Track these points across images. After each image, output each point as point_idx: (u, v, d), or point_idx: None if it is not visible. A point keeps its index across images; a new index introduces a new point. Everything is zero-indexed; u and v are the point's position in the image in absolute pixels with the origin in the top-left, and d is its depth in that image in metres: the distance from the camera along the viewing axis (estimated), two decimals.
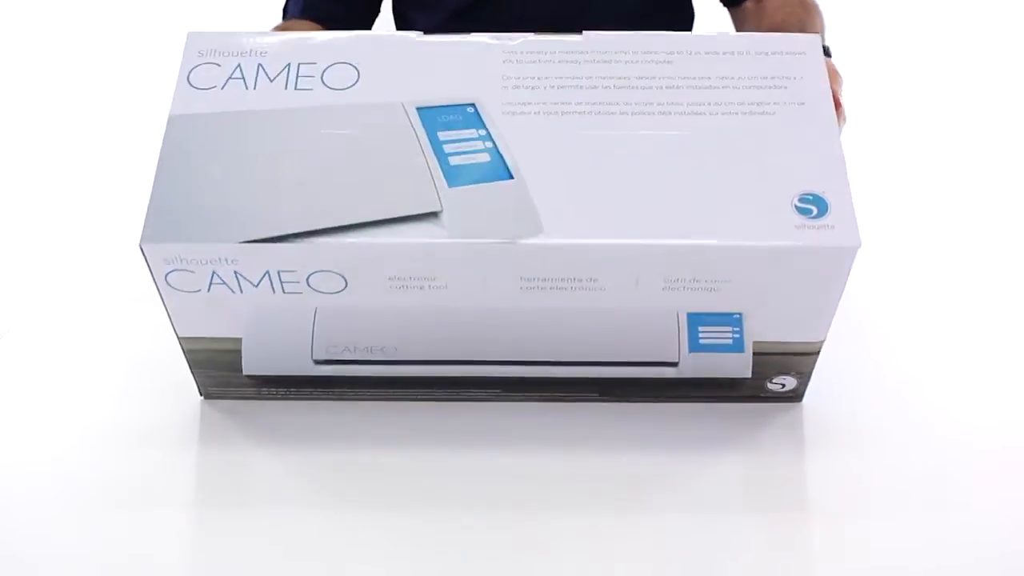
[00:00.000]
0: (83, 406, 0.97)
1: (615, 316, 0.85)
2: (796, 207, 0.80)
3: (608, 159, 0.82)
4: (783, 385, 0.92)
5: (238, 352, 0.88)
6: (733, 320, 0.85)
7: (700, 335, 0.87)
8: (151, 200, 0.80)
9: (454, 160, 0.82)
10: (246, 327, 0.86)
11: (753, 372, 0.90)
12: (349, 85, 0.85)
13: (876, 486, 0.86)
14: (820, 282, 0.81)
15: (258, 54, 0.87)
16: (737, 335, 0.87)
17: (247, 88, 0.86)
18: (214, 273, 0.81)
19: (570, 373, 0.91)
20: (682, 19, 1.42)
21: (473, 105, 0.85)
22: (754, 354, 0.88)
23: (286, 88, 0.86)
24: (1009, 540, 0.80)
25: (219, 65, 0.87)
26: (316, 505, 0.84)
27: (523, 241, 0.78)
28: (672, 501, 0.85)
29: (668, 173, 0.81)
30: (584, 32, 0.88)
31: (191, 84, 0.86)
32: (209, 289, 0.82)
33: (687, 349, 0.88)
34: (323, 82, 0.86)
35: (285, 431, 0.92)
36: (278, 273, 0.81)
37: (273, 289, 0.82)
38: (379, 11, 1.42)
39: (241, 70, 0.87)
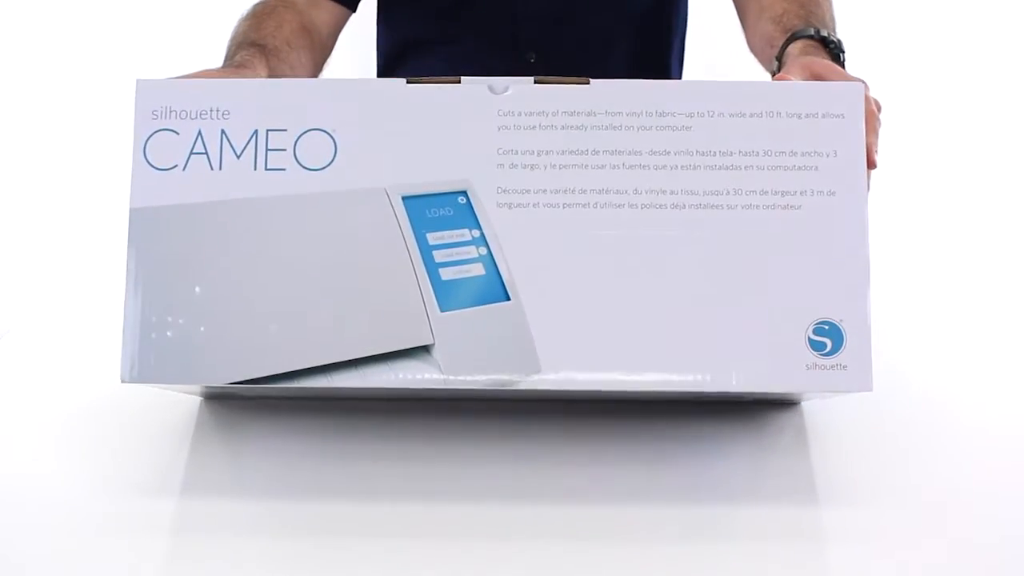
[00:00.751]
0: (83, 406, 0.96)
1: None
2: (810, 340, 0.76)
3: (612, 272, 0.76)
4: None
5: None
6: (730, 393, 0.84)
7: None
8: (126, 330, 0.77)
9: (445, 273, 0.77)
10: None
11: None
12: (326, 163, 0.77)
13: (875, 488, 0.87)
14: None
15: (220, 115, 0.77)
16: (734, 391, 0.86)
17: (212, 168, 0.77)
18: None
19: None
20: (674, 13, 1.24)
21: (465, 194, 0.77)
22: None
23: (255, 167, 0.77)
24: (1010, 540, 0.81)
25: (177, 133, 0.78)
26: (313, 507, 0.86)
27: (519, 384, 0.76)
28: (671, 500, 0.86)
29: (677, 292, 0.76)
30: (591, 82, 0.78)
31: (149, 162, 0.78)
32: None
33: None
34: (296, 158, 0.77)
35: (285, 432, 0.92)
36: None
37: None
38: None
39: (203, 140, 0.77)
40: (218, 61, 1.09)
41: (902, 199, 1.26)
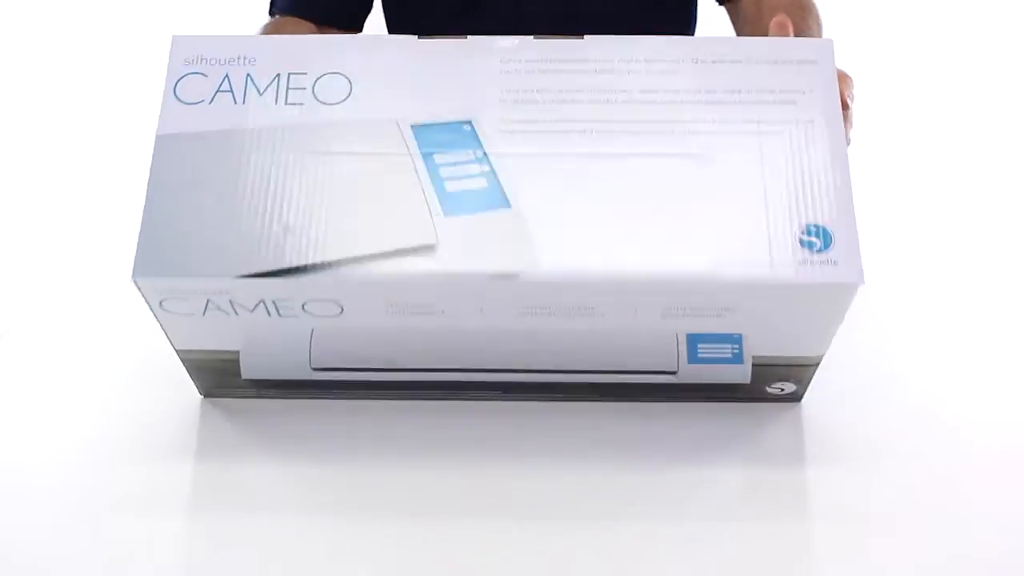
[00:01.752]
0: (83, 406, 0.97)
1: (613, 336, 0.84)
2: (800, 240, 0.78)
3: (608, 184, 0.80)
4: (782, 389, 0.91)
5: (236, 361, 0.88)
6: (733, 339, 0.85)
7: (699, 351, 0.86)
8: (142, 230, 0.79)
9: (450, 186, 0.81)
10: (244, 342, 0.85)
11: (752, 378, 0.89)
12: (341, 99, 0.83)
13: (875, 489, 0.86)
14: (820, 314, 0.80)
15: (246, 61, 0.84)
16: (737, 351, 0.86)
17: (236, 102, 0.83)
18: (208, 301, 0.80)
19: (569, 379, 0.90)
20: (682, 16, 1.38)
21: (470, 123, 0.82)
22: (753, 365, 0.88)
23: (276, 102, 0.83)
24: (1008, 545, 0.81)
25: (206, 76, 0.84)
26: (314, 507, 0.85)
27: (519, 276, 0.77)
28: (671, 504, 0.86)
29: (670, 200, 0.80)
30: (585, 36, 0.85)
31: (178, 97, 0.83)
32: (204, 313, 0.82)
33: (686, 360, 0.87)
34: (314, 95, 0.83)
35: (285, 431, 0.92)
36: (272, 302, 0.80)
37: (268, 312, 0.82)
38: (372, 6, 1.37)
39: (229, 81, 0.84)
40: None
41: (904, 204, 1.28)
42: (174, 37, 0.84)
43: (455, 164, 0.82)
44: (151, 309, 0.82)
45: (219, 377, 0.91)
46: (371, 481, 0.88)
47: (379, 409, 0.93)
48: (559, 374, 0.90)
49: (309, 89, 0.84)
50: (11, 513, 0.83)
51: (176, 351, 0.87)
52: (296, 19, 1.28)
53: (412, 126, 0.83)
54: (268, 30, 1.25)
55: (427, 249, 0.79)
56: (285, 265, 0.78)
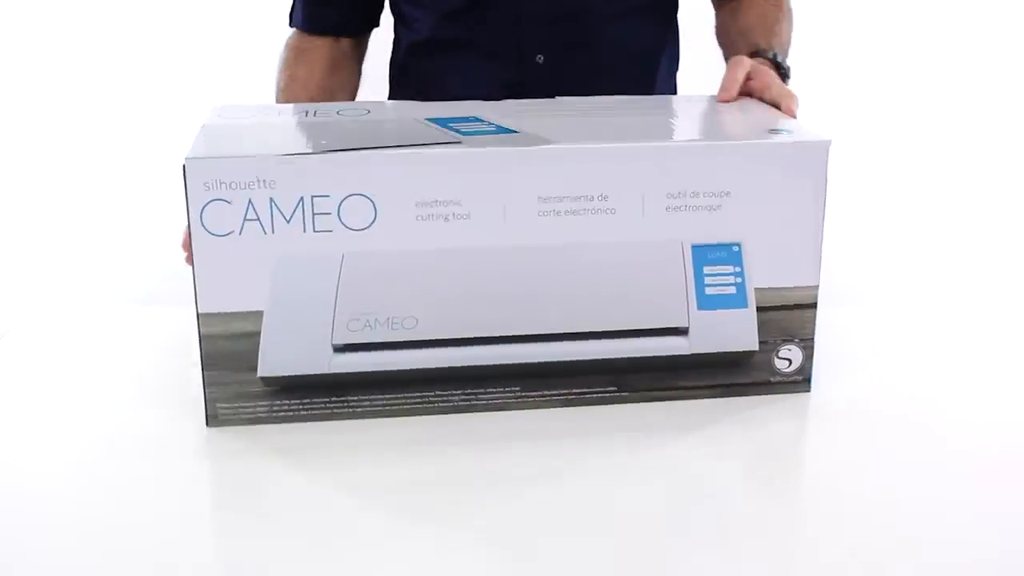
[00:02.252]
0: (83, 406, 0.94)
1: (627, 265, 0.92)
2: (768, 131, 0.94)
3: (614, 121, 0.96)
4: (789, 362, 0.96)
5: (255, 341, 0.89)
6: (733, 255, 0.93)
7: (706, 280, 0.93)
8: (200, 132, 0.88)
9: (462, 127, 0.95)
10: (270, 297, 0.88)
11: (760, 342, 0.94)
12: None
13: (883, 475, 0.86)
14: (803, 186, 0.91)
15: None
16: (739, 278, 0.93)
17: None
18: (250, 203, 0.87)
19: (585, 352, 0.93)
20: (671, 20, 1.35)
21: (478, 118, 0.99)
22: (757, 309, 0.94)
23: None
24: (1010, 533, 0.79)
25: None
26: (332, 526, 0.80)
27: (537, 148, 0.89)
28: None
29: (663, 118, 0.95)
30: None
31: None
32: (241, 231, 0.87)
33: (695, 303, 0.93)
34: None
35: (296, 450, 0.89)
36: (311, 200, 0.88)
37: (304, 226, 0.88)
38: (381, 12, 1.33)
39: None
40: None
41: (909, 195, 1.24)
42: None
43: (463, 120, 0.97)
44: (189, 243, 0.86)
45: (233, 380, 0.91)
46: (387, 501, 0.83)
47: (392, 426, 0.92)
48: (575, 342, 0.93)
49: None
50: (11, 512, 0.80)
51: (199, 324, 0.88)
52: (313, 40, 1.28)
53: (427, 119, 0.99)
54: (288, 59, 1.26)
55: (455, 144, 0.91)
56: (326, 149, 0.88)
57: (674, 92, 1.35)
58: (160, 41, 2.33)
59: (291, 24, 1.31)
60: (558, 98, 1.05)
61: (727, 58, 1.16)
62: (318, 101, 1.24)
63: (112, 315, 1.10)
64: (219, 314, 0.88)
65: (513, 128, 0.93)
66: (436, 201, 0.88)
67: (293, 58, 1.27)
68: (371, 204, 0.87)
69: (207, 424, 0.90)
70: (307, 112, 1.00)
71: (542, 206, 0.89)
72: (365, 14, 1.30)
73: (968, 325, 1.11)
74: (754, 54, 1.13)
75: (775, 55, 1.13)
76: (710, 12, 1.30)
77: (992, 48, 2.30)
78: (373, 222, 0.87)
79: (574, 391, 0.93)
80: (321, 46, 1.28)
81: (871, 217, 0.96)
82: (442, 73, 1.20)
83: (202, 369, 0.89)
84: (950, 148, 2.00)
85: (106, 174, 1.97)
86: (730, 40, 1.23)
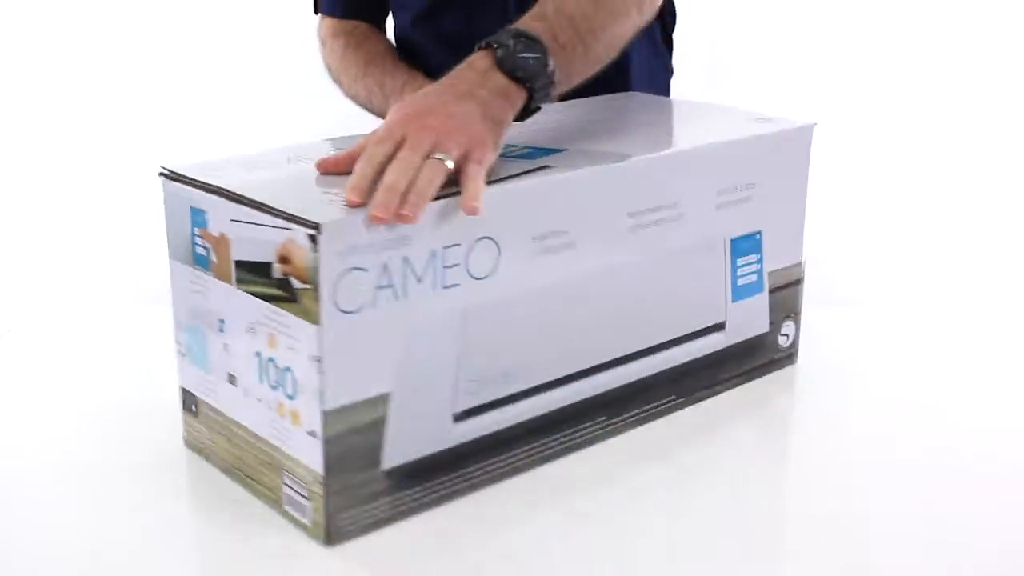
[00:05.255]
0: (82, 406, 0.92)
1: (681, 271, 0.91)
2: (758, 121, 0.98)
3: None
4: (788, 337, 1.01)
5: (379, 429, 0.75)
6: (756, 243, 0.96)
7: (738, 271, 0.95)
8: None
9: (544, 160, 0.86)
10: (397, 372, 0.75)
11: (769, 323, 0.99)
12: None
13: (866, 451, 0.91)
14: (796, 168, 0.97)
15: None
16: (759, 265, 0.97)
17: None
18: (385, 268, 0.73)
19: (653, 366, 0.91)
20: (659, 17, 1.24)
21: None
22: (770, 292, 0.98)
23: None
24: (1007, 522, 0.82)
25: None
26: None
27: (626, 163, 0.84)
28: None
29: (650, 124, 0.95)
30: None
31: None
32: (375, 302, 0.73)
33: (731, 296, 0.95)
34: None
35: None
36: (443, 251, 0.75)
37: (434, 284, 0.76)
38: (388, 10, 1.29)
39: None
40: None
41: (901, 181, 1.29)
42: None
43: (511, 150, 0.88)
44: (318, 341, 0.70)
45: (355, 478, 0.76)
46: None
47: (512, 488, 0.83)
48: (643, 359, 0.91)
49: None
50: (11, 511, 0.78)
51: (324, 418, 0.72)
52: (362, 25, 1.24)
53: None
54: (338, 45, 1.22)
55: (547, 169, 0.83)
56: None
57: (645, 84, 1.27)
58: (162, 41, 2.27)
59: (316, 10, 1.27)
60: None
61: None
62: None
63: (113, 315, 1.09)
64: (346, 407, 0.73)
65: (552, 147, 0.87)
66: (550, 232, 0.80)
67: (344, 43, 1.22)
68: (495, 246, 0.77)
69: (328, 543, 0.74)
70: (289, 158, 0.83)
71: (631, 221, 0.85)
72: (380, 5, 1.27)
73: (960, 323, 1.14)
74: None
75: (494, 42, 0.85)
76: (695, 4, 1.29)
77: (993, 48, 2.26)
78: (496, 267, 0.77)
79: (645, 408, 0.91)
80: (355, 30, 1.24)
81: (857, 208, 1.03)
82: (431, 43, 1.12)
83: (324, 477, 0.73)
84: (948, 144, 2.01)
85: (107, 173, 1.85)
86: None
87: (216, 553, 0.75)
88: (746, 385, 0.98)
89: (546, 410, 0.84)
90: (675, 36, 1.32)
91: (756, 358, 0.98)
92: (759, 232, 0.94)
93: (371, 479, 0.75)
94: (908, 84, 2.16)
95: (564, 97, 0.93)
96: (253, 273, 0.73)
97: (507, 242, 0.77)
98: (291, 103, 1.83)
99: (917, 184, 1.88)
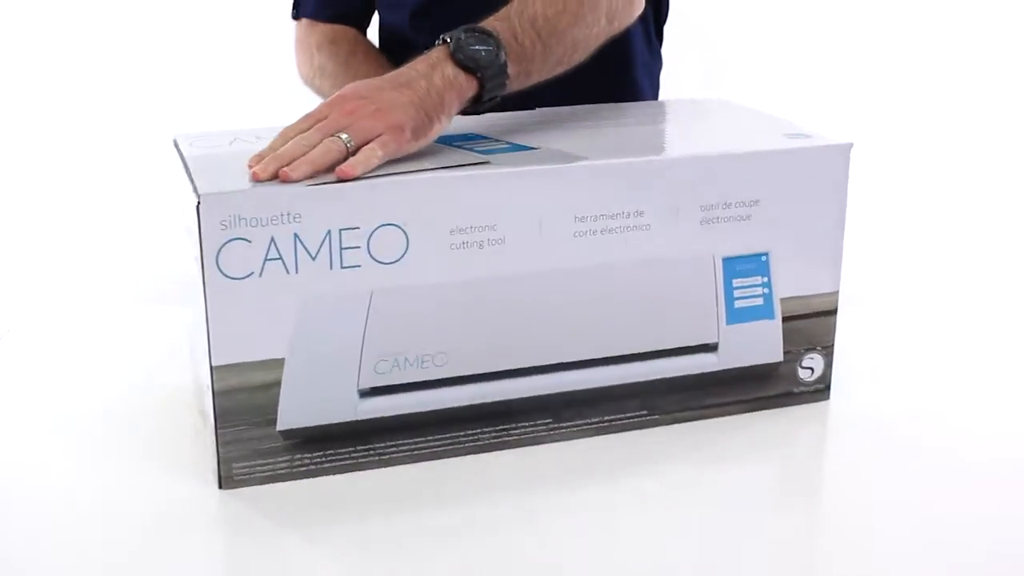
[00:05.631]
0: (81, 407, 0.93)
1: (659, 283, 0.88)
2: (787, 136, 0.92)
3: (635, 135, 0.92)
4: (812, 371, 0.94)
5: (274, 391, 0.80)
6: (761, 265, 0.90)
7: (735, 293, 0.90)
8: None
9: (476, 146, 0.88)
10: (292, 343, 0.79)
11: (784, 352, 0.92)
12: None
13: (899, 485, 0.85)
14: (825, 190, 0.89)
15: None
16: (766, 289, 0.91)
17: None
18: (272, 242, 0.78)
19: (616, 377, 0.89)
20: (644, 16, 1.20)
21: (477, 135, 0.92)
22: (783, 320, 0.92)
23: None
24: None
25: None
26: None
27: (574, 165, 0.83)
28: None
29: (667, 127, 0.92)
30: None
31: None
32: (262, 272, 0.78)
33: (725, 318, 0.90)
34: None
35: (318, 506, 0.81)
36: (339, 234, 0.79)
37: (331, 263, 0.79)
38: (374, 11, 1.30)
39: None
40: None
41: (921, 207, 1.25)
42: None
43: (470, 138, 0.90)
44: (203, 291, 0.76)
45: (249, 436, 0.81)
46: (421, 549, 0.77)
47: (419, 472, 0.85)
48: (605, 368, 0.89)
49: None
50: (11, 511, 0.79)
51: (213, 378, 0.78)
52: (340, 27, 1.26)
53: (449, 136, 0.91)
54: (312, 48, 1.24)
55: (483, 165, 0.84)
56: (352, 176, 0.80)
57: (653, 89, 1.30)
58: (161, 41, 2.33)
59: (295, 16, 1.28)
60: (539, 109, 0.99)
61: None
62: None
63: (113, 315, 1.09)
64: (235, 365, 0.78)
65: (528, 144, 0.87)
66: (471, 227, 0.81)
67: (324, 45, 1.24)
68: (403, 234, 0.79)
69: (220, 487, 0.80)
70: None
71: (578, 226, 0.83)
72: (364, 6, 1.28)
73: (984, 329, 1.11)
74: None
75: (451, 36, 0.88)
76: (693, 8, 1.29)
77: (1000, 45, 2.29)
78: (405, 253, 0.79)
79: (606, 418, 0.89)
80: (337, 29, 1.25)
81: (886, 221, 0.97)
82: None
83: (216, 428, 0.79)
84: (969, 152, 1.99)
85: (108, 173, 1.93)
86: None
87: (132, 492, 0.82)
88: (752, 414, 0.93)
89: (476, 401, 0.85)
90: (675, 35, 1.31)
91: (765, 388, 0.93)
92: (765, 254, 0.90)
93: (265, 436, 0.81)
94: (908, 84, 2.12)
95: (565, 89, 0.96)
96: (191, 239, 0.81)
97: (417, 231, 0.80)
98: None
99: (916, 184, 1.69)
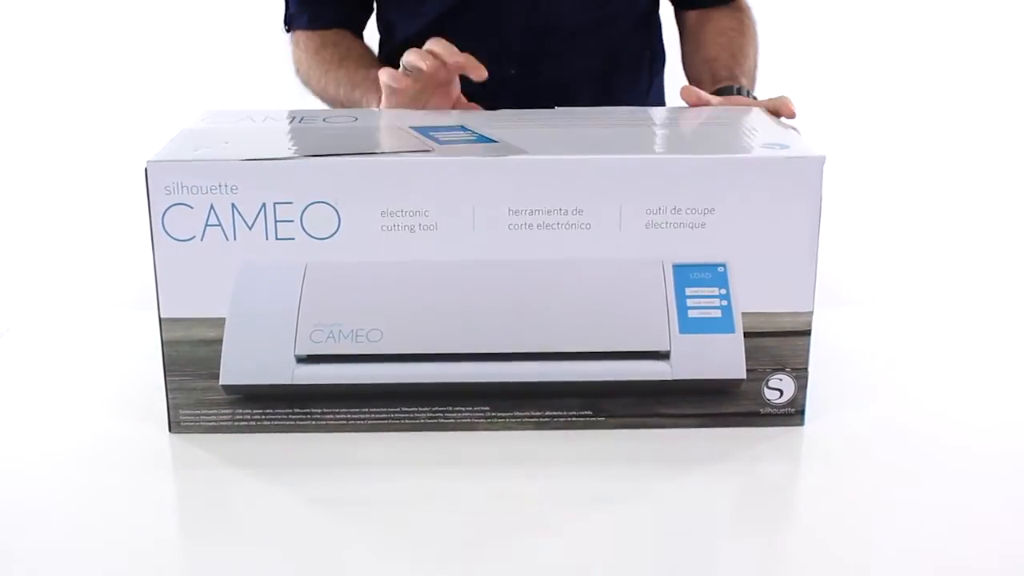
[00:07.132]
0: (82, 406, 0.94)
1: (604, 283, 0.87)
2: (764, 145, 0.88)
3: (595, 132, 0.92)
4: (781, 393, 0.90)
5: (218, 348, 0.87)
6: (718, 276, 0.88)
7: (688, 302, 0.88)
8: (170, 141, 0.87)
9: (442, 136, 0.92)
10: (232, 305, 0.86)
11: (748, 370, 0.89)
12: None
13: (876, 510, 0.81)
14: (794, 204, 0.85)
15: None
16: (724, 301, 0.88)
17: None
18: (211, 209, 0.85)
19: (559, 373, 0.89)
20: (651, 22, 1.33)
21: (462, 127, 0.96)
22: (745, 335, 0.88)
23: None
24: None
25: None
26: (291, 540, 0.78)
27: (508, 158, 0.85)
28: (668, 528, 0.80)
29: (651, 133, 0.91)
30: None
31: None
32: (203, 236, 0.86)
33: (677, 327, 0.88)
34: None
35: (256, 462, 0.87)
36: (274, 207, 0.85)
37: (267, 233, 0.86)
38: (371, 13, 1.34)
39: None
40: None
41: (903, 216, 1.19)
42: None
43: (447, 128, 0.94)
44: (152, 246, 0.85)
45: (195, 387, 0.89)
46: (347, 517, 0.81)
47: (355, 441, 0.89)
48: (548, 362, 0.89)
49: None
50: (11, 510, 0.81)
51: (161, 329, 0.87)
52: (335, 32, 1.28)
53: (411, 127, 0.96)
54: (306, 54, 1.27)
55: (424, 152, 0.88)
56: (290, 155, 0.86)
57: (661, 94, 1.30)
58: (160, 44, 2.34)
59: (288, 28, 1.31)
60: (557, 108, 1.01)
61: None
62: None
63: (112, 316, 1.11)
64: (182, 319, 0.86)
65: (494, 138, 0.89)
66: (402, 211, 0.85)
67: (319, 44, 1.27)
68: (335, 212, 0.84)
69: (169, 430, 0.88)
70: (293, 118, 0.97)
71: (513, 219, 0.85)
72: (358, 14, 1.32)
73: (968, 339, 1.06)
74: (720, 91, 1.10)
75: (739, 88, 1.10)
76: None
77: (991, 48, 2.27)
78: (337, 231, 0.84)
79: (547, 414, 0.89)
80: (328, 33, 1.29)
81: (864, 226, 0.91)
82: None
83: (164, 375, 0.87)
84: (944, 153, 1.97)
85: (108, 174, 1.95)
86: (695, 71, 1.21)
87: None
88: (709, 430, 0.91)
89: (410, 381, 0.89)
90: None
91: (725, 405, 0.90)
92: (723, 264, 0.88)
93: (209, 388, 0.89)
94: (908, 83, 2.08)
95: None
96: None
97: (349, 210, 0.86)
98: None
99: (916, 184, 1.47)
